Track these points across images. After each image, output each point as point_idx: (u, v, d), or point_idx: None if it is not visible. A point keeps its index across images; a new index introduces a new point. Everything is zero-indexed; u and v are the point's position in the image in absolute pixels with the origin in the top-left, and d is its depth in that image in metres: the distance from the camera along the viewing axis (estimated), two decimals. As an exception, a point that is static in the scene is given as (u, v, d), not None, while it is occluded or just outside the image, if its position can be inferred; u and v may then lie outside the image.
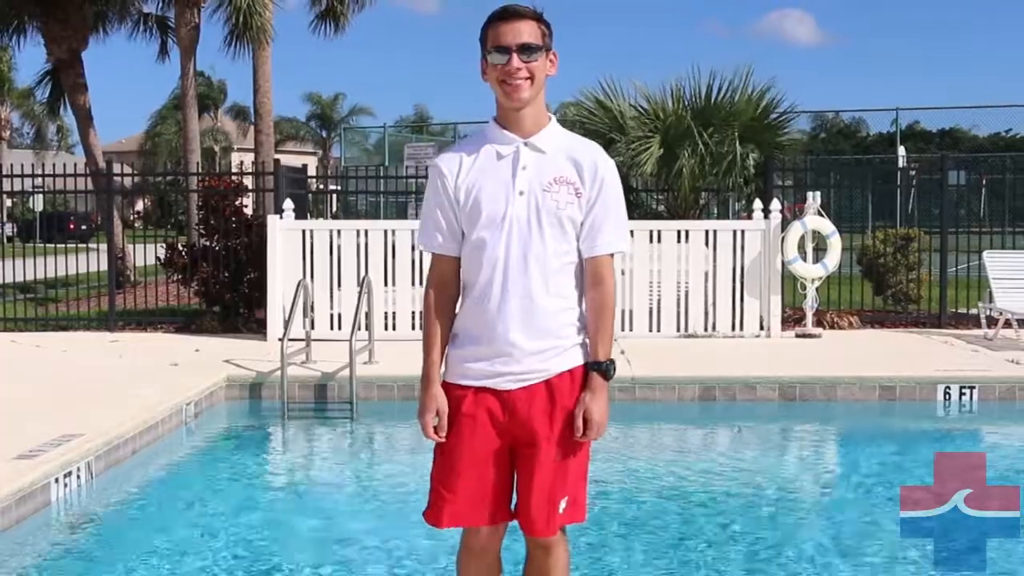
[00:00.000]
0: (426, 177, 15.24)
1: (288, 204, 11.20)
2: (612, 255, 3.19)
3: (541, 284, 3.11)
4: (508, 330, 3.10)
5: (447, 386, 3.20)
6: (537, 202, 3.09)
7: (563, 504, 3.18)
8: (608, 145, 12.83)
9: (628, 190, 13.14)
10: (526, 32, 3.07)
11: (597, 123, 12.83)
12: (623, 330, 10.93)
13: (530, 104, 3.11)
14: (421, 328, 3.28)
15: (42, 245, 16.02)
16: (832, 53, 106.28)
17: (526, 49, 3.06)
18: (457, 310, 3.25)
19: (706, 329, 11.11)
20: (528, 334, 3.11)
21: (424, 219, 3.24)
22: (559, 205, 3.09)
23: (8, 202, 35.52)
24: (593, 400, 3.15)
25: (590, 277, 3.18)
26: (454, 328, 3.24)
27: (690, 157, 12.05)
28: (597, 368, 3.17)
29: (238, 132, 53.92)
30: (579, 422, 3.14)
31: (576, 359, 3.18)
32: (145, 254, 14.34)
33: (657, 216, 12.84)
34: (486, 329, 3.13)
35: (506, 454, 3.20)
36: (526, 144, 3.13)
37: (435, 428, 3.18)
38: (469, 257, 3.16)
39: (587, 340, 3.20)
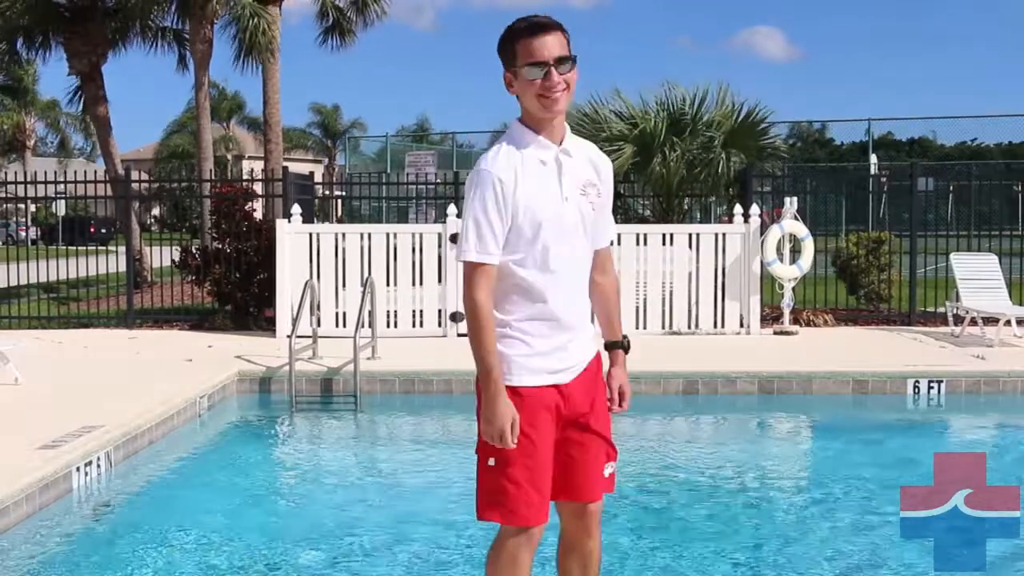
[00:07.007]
0: (426, 183, 15.02)
1: (296, 209, 11.19)
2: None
3: (585, 282, 3.14)
4: (573, 328, 3.06)
5: (512, 389, 2.97)
6: (579, 207, 3.04)
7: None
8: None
9: (616, 195, 13.15)
10: (558, 45, 2.92)
11: (586, 133, 12.84)
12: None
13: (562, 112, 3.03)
14: (469, 336, 2.98)
15: (64, 248, 16.00)
16: (802, 67, 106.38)
17: (562, 61, 2.92)
18: (508, 315, 3.04)
19: (689, 327, 11.12)
20: (586, 330, 3.13)
21: (480, 228, 2.93)
22: (593, 207, 3.08)
23: (33, 207, 35.43)
24: (624, 372, 3.24)
25: (600, 266, 3.20)
26: (511, 332, 3.02)
27: (662, 164, 12.05)
28: (622, 345, 3.26)
29: (251, 141, 53.75)
30: (616, 395, 3.20)
31: (598, 344, 3.22)
32: (161, 256, 14.36)
33: (643, 220, 12.84)
34: (551, 330, 3.03)
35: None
36: (560, 151, 3.03)
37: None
38: (529, 263, 2.99)
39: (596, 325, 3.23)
